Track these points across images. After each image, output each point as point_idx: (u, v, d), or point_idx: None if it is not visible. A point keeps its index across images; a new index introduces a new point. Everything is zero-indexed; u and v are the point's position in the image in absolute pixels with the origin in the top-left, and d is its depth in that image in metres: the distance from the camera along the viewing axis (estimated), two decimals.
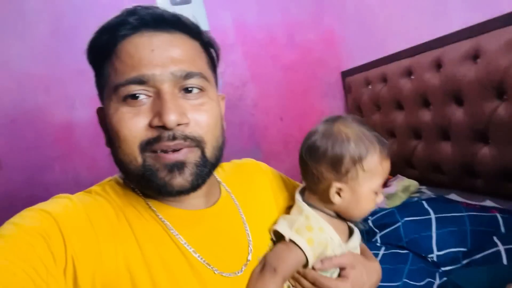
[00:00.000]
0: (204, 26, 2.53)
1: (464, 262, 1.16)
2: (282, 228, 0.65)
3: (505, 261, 1.05)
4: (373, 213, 1.66)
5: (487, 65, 1.30)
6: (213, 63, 0.62)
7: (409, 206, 1.57)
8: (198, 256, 0.55)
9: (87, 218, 0.51)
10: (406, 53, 1.76)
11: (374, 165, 0.64)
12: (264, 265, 0.60)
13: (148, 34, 0.52)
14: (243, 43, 2.24)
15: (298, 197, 0.70)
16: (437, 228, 1.34)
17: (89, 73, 0.59)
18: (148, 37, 0.51)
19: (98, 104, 0.60)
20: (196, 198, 0.60)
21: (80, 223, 0.50)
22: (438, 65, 1.56)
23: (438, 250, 1.26)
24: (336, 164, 0.64)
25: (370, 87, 2.14)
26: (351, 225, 0.73)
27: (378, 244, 1.50)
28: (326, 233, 0.65)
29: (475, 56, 1.37)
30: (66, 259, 0.46)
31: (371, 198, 0.67)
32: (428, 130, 1.70)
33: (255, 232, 0.65)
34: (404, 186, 1.65)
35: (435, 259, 1.25)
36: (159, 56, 0.51)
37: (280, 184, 0.78)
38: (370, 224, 1.59)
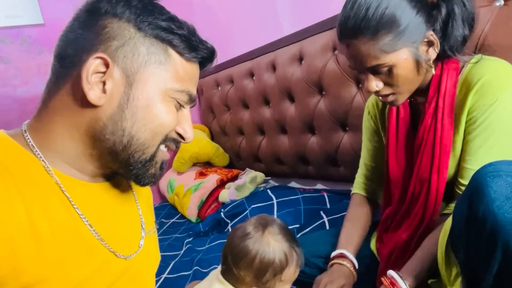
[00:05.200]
0: (37, 19, 2.23)
1: (298, 235, 1.31)
2: None
3: (328, 228, 1.25)
4: (225, 206, 1.74)
5: (309, 66, 1.52)
6: None
7: (256, 195, 1.70)
8: (94, 230, 0.54)
9: None
10: (247, 56, 1.92)
11: (290, 275, 0.77)
12: None
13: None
14: None
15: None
16: (277, 211, 1.49)
17: None
18: (197, 68, 0.62)
19: None
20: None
21: None
22: (273, 66, 1.74)
23: None
24: (260, 274, 0.73)
25: (219, 88, 2.25)
26: None
27: None
28: None
29: (300, 58, 1.58)
30: None
31: None
32: (269, 126, 1.88)
33: (144, 212, 0.68)
34: (251, 177, 1.78)
35: None
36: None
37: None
38: (222, 215, 1.66)
